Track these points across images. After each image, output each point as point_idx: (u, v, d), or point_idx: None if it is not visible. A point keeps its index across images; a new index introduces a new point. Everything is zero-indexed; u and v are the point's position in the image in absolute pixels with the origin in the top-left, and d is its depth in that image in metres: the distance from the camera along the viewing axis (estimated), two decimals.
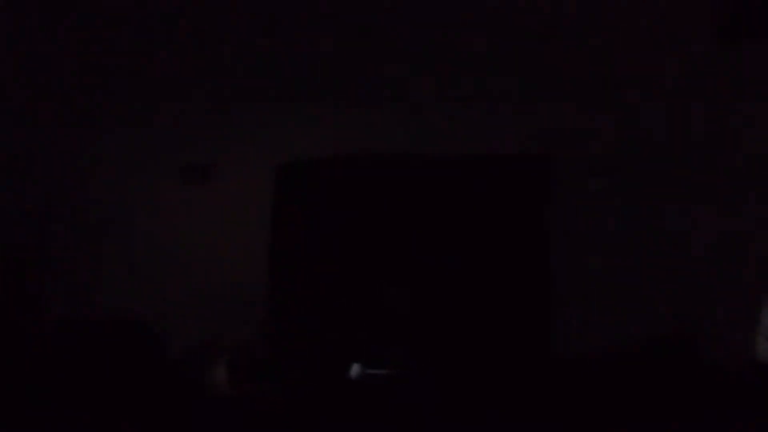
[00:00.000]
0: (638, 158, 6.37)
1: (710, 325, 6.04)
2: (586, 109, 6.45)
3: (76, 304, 6.86)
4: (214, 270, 6.82)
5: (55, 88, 7.06)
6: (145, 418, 5.66)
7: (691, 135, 6.30)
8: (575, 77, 6.47)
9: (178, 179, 6.99)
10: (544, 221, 6.51)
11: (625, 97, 6.40)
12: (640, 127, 6.37)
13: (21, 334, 6.62)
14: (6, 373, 5.86)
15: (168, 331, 6.42)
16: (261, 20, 6.93)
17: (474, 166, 6.65)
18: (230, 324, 6.57)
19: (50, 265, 6.96)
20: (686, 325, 6.04)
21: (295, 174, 6.85)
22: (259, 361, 6.51)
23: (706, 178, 6.26)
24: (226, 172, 6.97)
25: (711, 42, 6.26)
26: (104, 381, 5.92)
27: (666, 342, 5.99)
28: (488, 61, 6.61)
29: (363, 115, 6.77)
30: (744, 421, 5.37)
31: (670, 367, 5.87)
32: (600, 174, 6.43)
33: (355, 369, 6.17)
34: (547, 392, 5.90)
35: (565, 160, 6.48)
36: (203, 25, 7.02)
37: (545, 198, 6.51)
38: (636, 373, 5.85)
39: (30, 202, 6.97)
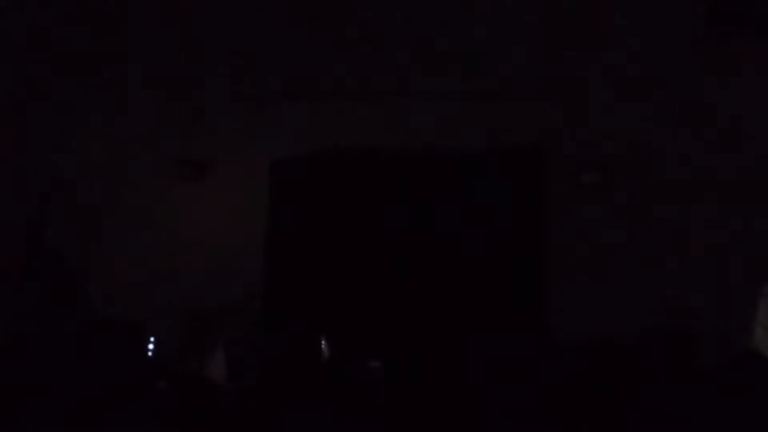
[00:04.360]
0: (631, 151, 6.37)
1: (705, 317, 6.02)
2: (579, 104, 6.46)
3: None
4: (210, 265, 6.83)
5: (51, 84, 7.08)
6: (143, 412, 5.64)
7: (682, 130, 6.30)
8: (567, 71, 6.48)
9: (174, 175, 7.01)
10: (538, 215, 6.52)
11: (617, 91, 6.41)
12: (633, 121, 6.38)
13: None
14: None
15: (161, 328, 6.44)
16: (255, 19, 6.97)
17: (469, 160, 6.66)
18: (225, 318, 6.59)
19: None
20: (681, 317, 6.02)
21: (289, 169, 6.88)
22: (255, 353, 6.50)
23: (699, 172, 6.26)
24: (222, 168, 7.00)
25: (702, 37, 6.26)
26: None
27: (661, 334, 5.96)
28: (479, 57, 6.63)
29: (358, 112, 6.79)
30: (738, 413, 5.34)
31: (664, 358, 5.85)
32: (594, 168, 6.43)
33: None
34: (542, 380, 5.89)
35: (558, 155, 6.49)
36: (200, 24, 7.06)
37: (539, 192, 6.52)
38: (630, 364, 5.83)
39: (26, 196, 6.98)
